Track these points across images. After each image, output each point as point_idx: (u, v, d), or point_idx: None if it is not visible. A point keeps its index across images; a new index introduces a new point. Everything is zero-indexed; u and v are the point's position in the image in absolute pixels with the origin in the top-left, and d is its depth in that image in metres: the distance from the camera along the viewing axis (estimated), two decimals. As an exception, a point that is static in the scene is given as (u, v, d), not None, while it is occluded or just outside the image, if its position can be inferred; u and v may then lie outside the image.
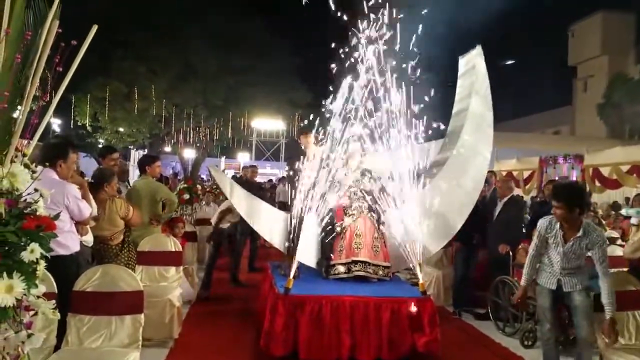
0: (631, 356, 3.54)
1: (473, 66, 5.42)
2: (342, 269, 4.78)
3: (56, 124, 22.00)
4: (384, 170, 4.97)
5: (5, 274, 1.38)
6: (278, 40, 19.08)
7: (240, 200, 5.03)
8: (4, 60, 1.39)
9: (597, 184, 16.43)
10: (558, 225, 3.73)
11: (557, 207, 3.67)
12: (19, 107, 1.54)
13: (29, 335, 1.48)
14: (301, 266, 4.73)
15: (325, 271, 4.86)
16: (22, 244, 1.44)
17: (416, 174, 4.60)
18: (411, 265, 4.50)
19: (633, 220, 4.92)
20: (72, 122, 18.48)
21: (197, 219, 9.05)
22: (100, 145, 19.61)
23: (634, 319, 3.86)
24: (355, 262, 4.77)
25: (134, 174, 12.57)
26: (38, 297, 1.52)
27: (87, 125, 18.12)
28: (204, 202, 9.72)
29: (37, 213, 1.50)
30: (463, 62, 5.65)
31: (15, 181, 1.44)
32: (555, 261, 3.76)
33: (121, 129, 18.96)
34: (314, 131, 5.12)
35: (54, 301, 1.59)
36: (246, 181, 8.45)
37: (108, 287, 3.42)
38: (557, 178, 15.85)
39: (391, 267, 4.93)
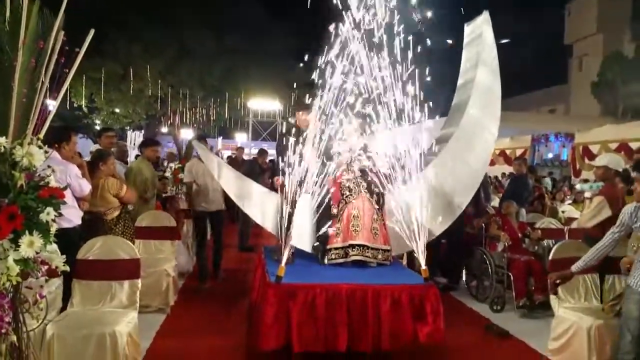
0: (578, 313, 3.94)
1: (479, 34, 5.00)
2: (339, 253, 4.51)
3: (52, 105, 22.24)
4: (385, 148, 4.51)
5: (27, 232, 1.77)
6: (275, 21, 19.19)
7: (229, 182, 4.76)
8: (22, 64, 1.75)
9: (587, 161, 16.83)
10: None
11: (637, 181, 3.13)
12: (50, 103, 1.92)
13: (47, 280, 1.88)
14: (296, 251, 4.45)
15: (321, 256, 4.59)
16: (39, 209, 1.82)
17: (418, 152, 4.20)
18: (413, 248, 4.12)
19: (587, 194, 5.30)
20: (68, 103, 18.71)
21: (192, 196, 9.42)
22: (96, 127, 19.94)
23: (584, 282, 4.29)
24: (353, 245, 4.47)
25: (131, 154, 12.87)
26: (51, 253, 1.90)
27: (83, 106, 18.37)
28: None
29: (50, 185, 1.88)
30: (468, 31, 5.22)
31: (32, 159, 1.82)
32: None
33: (117, 110, 19.23)
34: (315, 108, 4.52)
35: (64, 256, 1.98)
36: (253, 162, 8.77)
37: (108, 255, 3.81)
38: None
39: (391, 250, 4.65)
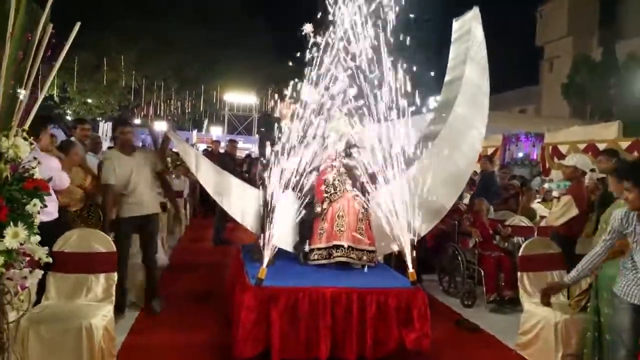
0: (546, 309, 4.05)
1: (468, 30, 4.89)
2: (322, 254, 4.36)
3: (22, 94, 21.66)
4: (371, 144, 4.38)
5: (11, 223, 1.77)
6: (254, 17, 19.17)
7: (208, 176, 4.49)
8: (10, 55, 1.75)
9: (556, 160, 17.32)
10: (635, 217, 2.95)
11: (627, 190, 2.91)
12: (21, 92, 1.90)
13: (31, 272, 1.88)
14: (277, 250, 4.15)
15: (304, 257, 4.44)
16: (24, 200, 1.82)
17: (405, 149, 4.10)
18: (400, 249, 3.99)
19: (554, 193, 5.48)
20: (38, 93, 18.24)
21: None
22: (68, 117, 19.52)
23: (551, 279, 4.43)
24: (337, 246, 4.32)
25: (104, 145, 12.64)
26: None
27: (54, 96, 17.96)
28: (174, 175, 9.96)
29: (34, 177, 1.89)
30: (457, 26, 5.12)
31: (18, 151, 1.81)
32: None
33: (89, 100, 18.88)
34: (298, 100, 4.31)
35: (46, 248, 1.98)
36: (224, 154, 8.66)
37: (84, 248, 3.79)
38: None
39: (376, 251, 4.52)
